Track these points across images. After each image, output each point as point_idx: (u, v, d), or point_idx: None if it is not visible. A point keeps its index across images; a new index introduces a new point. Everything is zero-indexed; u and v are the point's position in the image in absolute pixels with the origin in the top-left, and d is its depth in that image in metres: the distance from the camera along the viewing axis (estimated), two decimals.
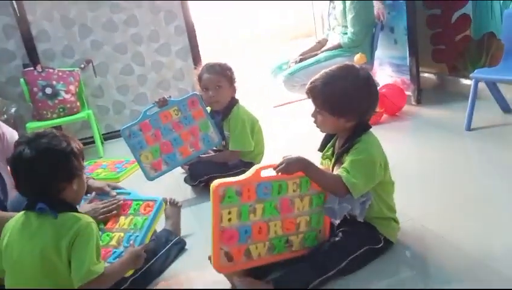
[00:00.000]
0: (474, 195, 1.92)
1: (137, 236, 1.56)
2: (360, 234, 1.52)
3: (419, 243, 1.63)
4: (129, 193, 1.76)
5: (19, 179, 1.32)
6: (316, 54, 3.18)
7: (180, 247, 1.80)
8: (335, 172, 1.51)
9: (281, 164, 1.43)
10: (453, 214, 1.80)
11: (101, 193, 1.75)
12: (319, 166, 1.65)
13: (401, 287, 1.41)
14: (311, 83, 1.53)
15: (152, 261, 1.64)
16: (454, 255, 1.53)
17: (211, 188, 1.40)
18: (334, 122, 1.51)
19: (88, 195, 1.73)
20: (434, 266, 1.51)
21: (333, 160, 1.57)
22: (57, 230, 1.26)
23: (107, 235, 1.62)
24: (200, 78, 2.34)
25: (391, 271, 1.50)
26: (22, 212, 1.34)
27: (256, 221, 1.46)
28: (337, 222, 1.54)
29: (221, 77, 2.29)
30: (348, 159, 1.48)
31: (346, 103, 1.47)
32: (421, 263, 1.54)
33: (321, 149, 1.66)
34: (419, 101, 3.16)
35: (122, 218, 1.66)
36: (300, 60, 3.18)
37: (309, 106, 3.61)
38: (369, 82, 1.52)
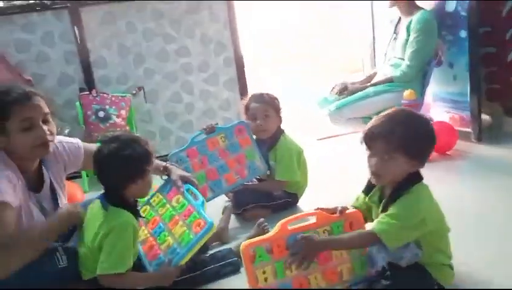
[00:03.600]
0: None
1: (178, 253, 1.63)
2: (411, 280, 1.43)
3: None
4: (198, 198, 1.78)
5: (98, 171, 1.59)
6: (364, 88, 3.13)
7: (234, 268, 1.80)
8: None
9: (297, 259, 1.37)
10: (508, 260, 1.69)
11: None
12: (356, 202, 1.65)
13: None
14: (374, 128, 1.43)
15: (200, 271, 1.76)
16: None
17: (240, 248, 1.38)
18: (404, 166, 1.42)
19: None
20: None
21: (380, 208, 1.50)
22: (103, 220, 1.52)
23: (164, 235, 1.73)
24: (247, 107, 2.38)
25: None
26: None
27: (294, 276, 1.41)
28: (374, 270, 1.48)
29: (268, 106, 2.32)
30: (389, 210, 1.42)
31: (422, 143, 1.43)
32: None
33: (367, 192, 1.59)
34: (480, 139, 3.06)
35: (180, 222, 1.72)
36: (342, 90, 3.15)
37: (353, 140, 3.56)
38: (431, 126, 1.49)
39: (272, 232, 1.43)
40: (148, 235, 1.79)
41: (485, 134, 3.09)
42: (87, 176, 3.11)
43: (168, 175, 1.92)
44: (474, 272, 1.61)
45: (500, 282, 1.54)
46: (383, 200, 1.49)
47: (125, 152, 1.53)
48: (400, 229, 1.38)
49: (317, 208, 1.55)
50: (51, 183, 1.73)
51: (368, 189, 1.58)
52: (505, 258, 1.71)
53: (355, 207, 1.64)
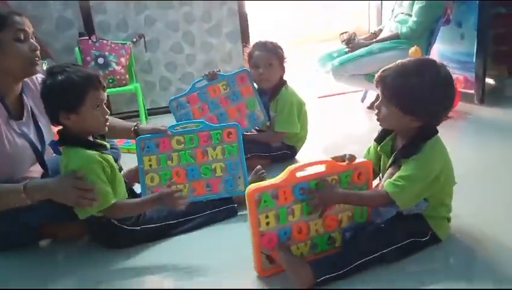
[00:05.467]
0: None
1: (237, 163, 1.80)
2: (406, 225, 1.45)
3: (467, 241, 1.54)
4: (201, 122, 1.85)
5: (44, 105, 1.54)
6: (369, 44, 3.06)
7: (231, 213, 1.83)
8: (385, 179, 1.45)
9: (316, 204, 1.39)
10: (504, 215, 1.70)
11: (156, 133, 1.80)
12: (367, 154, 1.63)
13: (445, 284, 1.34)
14: (383, 71, 1.41)
15: (198, 215, 1.78)
16: (502, 255, 1.45)
17: (245, 193, 1.37)
18: (399, 119, 1.39)
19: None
20: (481, 265, 1.43)
21: (390, 160, 1.48)
22: (62, 165, 1.53)
23: (206, 168, 1.81)
24: (250, 55, 2.33)
25: (433, 266, 1.43)
26: None
27: (296, 222, 1.42)
28: (378, 221, 1.49)
29: (272, 55, 2.27)
30: (403, 170, 1.40)
31: (418, 100, 1.35)
32: (467, 261, 1.46)
33: (379, 140, 1.55)
34: (482, 101, 3.05)
35: (210, 149, 1.80)
36: (350, 40, 3.09)
37: (354, 98, 3.51)
38: (448, 82, 1.40)
39: (280, 178, 1.39)
40: (187, 184, 1.78)
41: (487, 96, 3.07)
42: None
43: (138, 134, 1.80)
44: (467, 225, 1.62)
45: (490, 232, 1.56)
46: (395, 153, 1.47)
47: (59, 80, 1.46)
48: (413, 191, 1.38)
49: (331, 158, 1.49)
50: (32, 111, 1.72)
51: (380, 137, 1.55)
52: (496, 212, 1.72)
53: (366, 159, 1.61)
